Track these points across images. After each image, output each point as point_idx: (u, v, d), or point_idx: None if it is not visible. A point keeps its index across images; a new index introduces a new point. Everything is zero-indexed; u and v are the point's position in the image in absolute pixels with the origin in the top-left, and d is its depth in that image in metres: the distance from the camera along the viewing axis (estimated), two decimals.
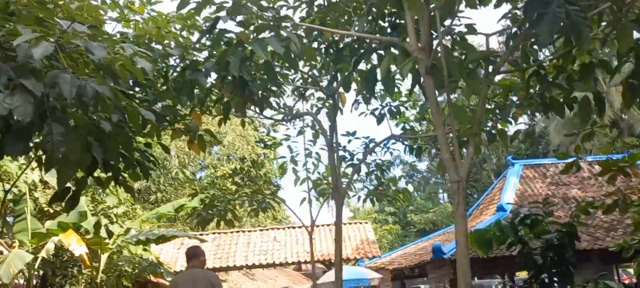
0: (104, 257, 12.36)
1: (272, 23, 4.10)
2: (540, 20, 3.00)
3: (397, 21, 5.50)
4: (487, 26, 4.36)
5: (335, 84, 7.02)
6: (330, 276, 16.78)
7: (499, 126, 6.15)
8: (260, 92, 5.54)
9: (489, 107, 6.07)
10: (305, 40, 4.97)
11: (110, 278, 12.65)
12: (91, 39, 2.96)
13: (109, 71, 3.58)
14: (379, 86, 6.13)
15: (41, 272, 12.98)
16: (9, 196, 11.02)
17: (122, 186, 5.26)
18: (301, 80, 7.82)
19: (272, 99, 6.46)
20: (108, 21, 5.13)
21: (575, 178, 15.81)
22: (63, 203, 4.73)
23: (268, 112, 7.88)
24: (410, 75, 4.51)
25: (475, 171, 39.17)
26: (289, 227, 21.77)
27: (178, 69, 5.48)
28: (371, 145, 8.46)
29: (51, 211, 12.45)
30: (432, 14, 4.15)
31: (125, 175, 5.15)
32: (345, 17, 5.59)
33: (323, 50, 6.26)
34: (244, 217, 22.36)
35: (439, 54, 3.88)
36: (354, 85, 6.36)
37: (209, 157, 28.62)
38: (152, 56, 4.52)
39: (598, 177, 16.14)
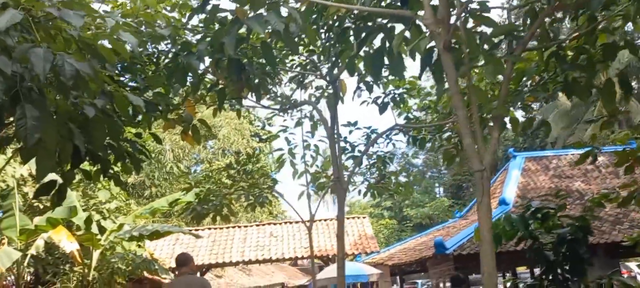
0: (96, 254, 12.00)
1: None
2: None
3: None
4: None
5: (336, 70, 6.66)
6: (328, 272, 16.48)
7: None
8: (257, 78, 5.19)
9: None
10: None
11: (102, 276, 12.27)
12: (66, 7, 2.59)
13: (92, 50, 3.23)
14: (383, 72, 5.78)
15: (32, 270, 12.62)
16: None
17: (113, 179, 4.93)
18: (299, 68, 7.46)
19: (270, 87, 6.11)
20: (94, 1, 4.77)
21: (579, 170, 15.53)
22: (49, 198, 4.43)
23: (265, 102, 7.54)
24: (418, 58, 4.17)
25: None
26: (285, 222, 21.49)
27: (170, 55, 5.15)
28: (373, 136, 8.13)
29: (41, 207, 12.07)
30: None
31: (115, 168, 4.85)
32: None
33: (324, 33, 5.89)
34: (240, 212, 22.05)
35: (459, 29, 3.53)
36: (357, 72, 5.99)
37: (204, 151, 28.32)
38: (139, 34, 4.16)
39: (601, 169, 15.97)
